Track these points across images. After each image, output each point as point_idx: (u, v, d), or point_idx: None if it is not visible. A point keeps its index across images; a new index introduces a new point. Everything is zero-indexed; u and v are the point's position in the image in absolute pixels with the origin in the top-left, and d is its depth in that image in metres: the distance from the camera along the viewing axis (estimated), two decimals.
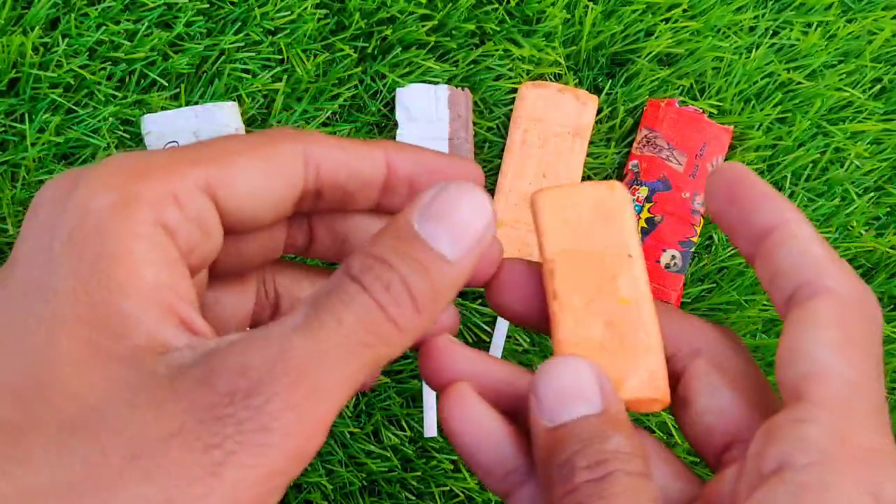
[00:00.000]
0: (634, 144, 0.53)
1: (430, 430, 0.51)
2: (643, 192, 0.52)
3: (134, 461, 0.17)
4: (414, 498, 0.52)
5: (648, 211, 0.49)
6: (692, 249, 0.42)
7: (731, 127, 0.50)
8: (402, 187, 0.25)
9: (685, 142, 0.52)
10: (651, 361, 0.38)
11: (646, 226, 0.42)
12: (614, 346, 0.37)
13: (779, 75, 0.56)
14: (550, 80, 0.56)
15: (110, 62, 0.51)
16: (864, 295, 0.22)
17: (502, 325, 0.52)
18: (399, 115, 0.53)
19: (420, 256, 0.21)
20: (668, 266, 0.41)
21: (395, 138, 0.54)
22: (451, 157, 0.26)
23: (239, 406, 0.18)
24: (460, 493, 0.51)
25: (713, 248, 0.54)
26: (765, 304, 0.54)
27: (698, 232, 0.46)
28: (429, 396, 0.51)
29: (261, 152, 0.22)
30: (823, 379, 0.20)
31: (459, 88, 0.54)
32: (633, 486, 0.21)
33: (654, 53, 0.56)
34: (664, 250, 0.43)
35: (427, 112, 0.53)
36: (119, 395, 0.18)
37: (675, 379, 0.24)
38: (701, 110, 0.53)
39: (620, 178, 0.54)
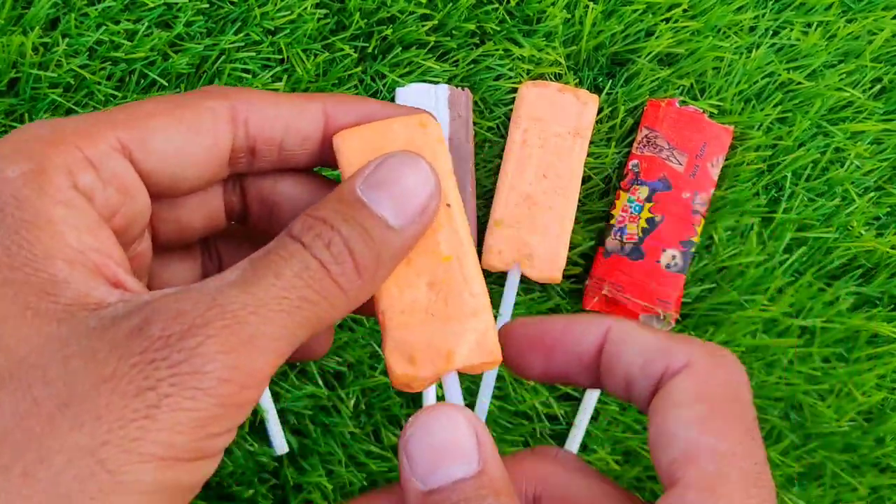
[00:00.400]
0: (634, 144, 0.53)
1: None
2: (643, 191, 0.52)
3: (65, 409, 0.17)
4: None
5: (649, 211, 0.49)
6: (692, 249, 0.43)
7: (732, 127, 0.50)
8: None
9: (685, 142, 0.52)
10: (478, 323, 0.33)
11: (646, 226, 0.42)
12: (439, 310, 0.33)
13: (779, 75, 0.56)
14: (551, 79, 0.56)
15: (110, 62, 0.51)
16: (721, 359, 0.22)
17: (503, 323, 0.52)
18: None
19: (363, 220, 0.21)
20: (668, 266, 0.41)
21: None
22: (397, 106, 0.25)
23: (173, 349, 0.18)
24: None
25: (713, 248, 0.54)
26: (765, 305, 0.54)
27: (698, 232, 0.46)
28: (430, 400, 0.51)
29: (179, 111, 0.22)
30: (693, 459, 0.20)
31: (459, 88, 0.53)
32: None
33: (654, 53, 0.55)
34: (664, 250, 0.43)
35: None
36: (50, 348, 0.18)
37: (656, 389, 0.23)
38: (701, 110, 0.53)
39: (621, 177, 0.54)
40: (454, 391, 0.27)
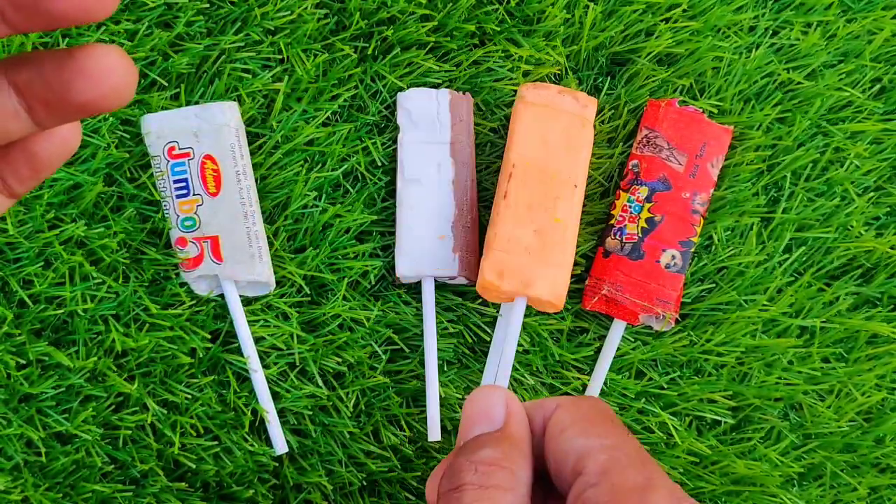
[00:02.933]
0: (635, 144, 0.53)
1: (434, 433, 0.51)
2: (643, 191, 0.52)
3: None
4: (414, 498, 0.52)
5: (648, 211, 0.49)
6: (692, 249, 0.43)
7: (732, 127, 0.50)
8: None
9: (685, 142, 0.51)
10: (559, 274, 0.49)
11: (646, 226, 0.42)
12: (536, 252, 0.46)
13: (779, 75, 0.56)
14: (551, 80, 0.56)
15: None
16: (581, 398, 0.28)
17: (502, 325, 0.52)
18: (400, 118, 0.53)
19: None
20: (668, 266, 0.41)
21: (396, 141, 0.54)
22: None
23: None
24: None
25: (713, 248, 0.54)
26: (765, 305, 0.54)
27: (698, 232, 0.46)
28: (432, 400, 0.51)
29: None
30: (587, 455, 0.25)
31: (461, 92, 0.54)
32: (478, 499, 0.25)
33: (654, 53, 0.56)
34: (664, 250, 0.44)
35: (429, 116, 0.53)
36: None
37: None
38: (701, 110, 0.53)
39: (621, 177, 0.54)
40: (519, 313, 0.39)
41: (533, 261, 0.47)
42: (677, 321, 0.54)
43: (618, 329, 0.51)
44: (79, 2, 0.19)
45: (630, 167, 0.53)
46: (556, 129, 0.48)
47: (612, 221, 0.51)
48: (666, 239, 0.48)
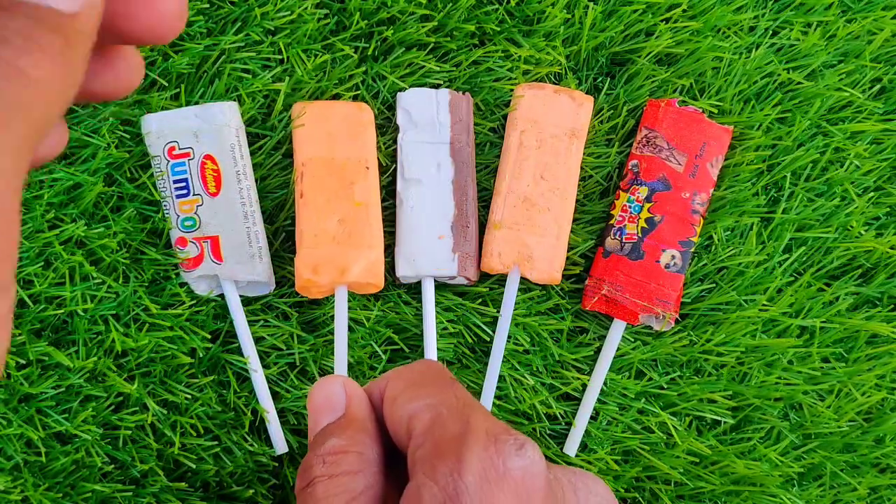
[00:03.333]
0: (634, 144, 0.53)
1: None
2: (643, 192, 0.52)
3: None
4: None
5: (648, 211, 0.49)
6: (692, 249, 0.43)
7: (731, 127, 0.50)
8: None
9: (685, 142, 0.52)
10: (372, 254, 0.48)
11: (646, 226, 0.42)
12: (344, 239, 0.48)
13: (779, 75, 0.56)
14: (551, 80, 0.56)
15: None
16: (406, 366, 0.28)
17: (504, 325, 0.52)
18: (400, 118, 0.53)
19: (31, 12, 0.19)
20: (668, 266, 0.41)
21: (396, 141, 0.54)
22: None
23: None
24: None
25: (713, 248, 0.54)
26: (765, 305, 0.54)
27: (698, 232, 0.46)
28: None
29: None
30: (413, 418, 0.26)
31: (460, 93, 0.54)
32: (329, 490, 0.26)
33: (654, 53, 0.56)
34: (664, 250, 0.44)
35: (428, 116, 0.53)
36: None
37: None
38: (701, 110, 0.53)
39: (621, 177, 0.54)
40: (342, 303, 0.40)
41: (343, 248, 0.49)
42: (677, 321, 0.54)
43: (617, 329, 0.51)
44: (150, 25, 0.21)
45: (630, 167, 0.53)
46: (335, 122, 0.51)
47: (611, 221, 0.51)
48: (666, 239, 0.48)
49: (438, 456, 0.24)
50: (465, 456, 0.23)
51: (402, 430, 0.26)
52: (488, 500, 0.23)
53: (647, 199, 0.50)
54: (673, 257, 0.44)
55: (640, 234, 0.44)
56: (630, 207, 0.48)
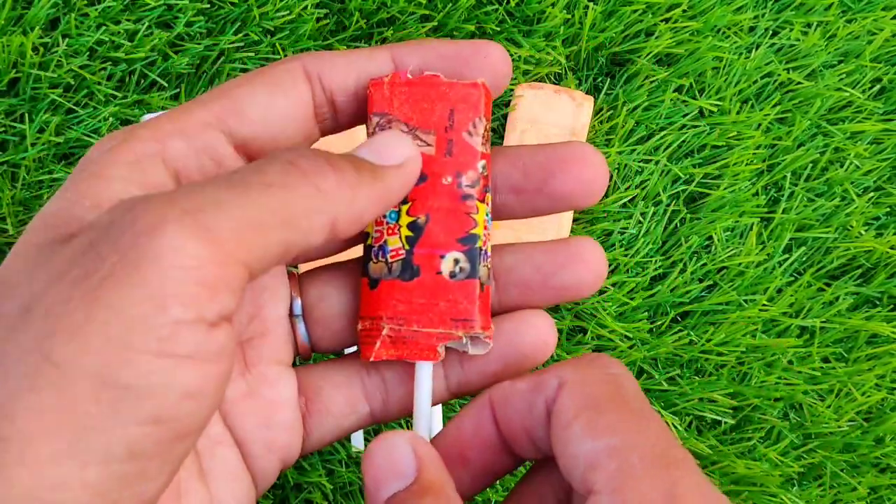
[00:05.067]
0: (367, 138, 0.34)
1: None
2: None
3: (25, 314, 0.17)
4: None
5: (407, 214, 0.32)
6: (478, 244, 0.29)
7: (480, 81, 0.32)
8: None
9: (426, 116, 0.33)
10: None
11: (410, 233, 0.29)
12: None
13: (778, 75, 0.56)
14: (551, 80, 0.56)
15: (110, 62, 0.51)
16: (590, 363, 0.22)
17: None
18: None
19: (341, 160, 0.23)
20: (453, 274, 0.28)
21: None
22: (459, 42, 0.26)
23: (121, 231, 0.17)
24: None
25: (713, 248, 0.54)
26: (765, 305, 0.54)
27: (479, 221, 0.31)
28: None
29: (258, 78, 0.23)
30: (595, 465, 0.20)
31: None
32: None
33: (653, 53, 0.56)
34: (442, 256, 0.30)
35: None
36: (23, 267, 0.19)
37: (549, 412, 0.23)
38: (435, 72, 0.32)
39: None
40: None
41: None
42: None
43: (424, 372, 0.33)
44: (581, 187, 0.24)
45: None
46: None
47: (368, 242, 0.36)
48: (439, 242, 0.31)
49: None
50: None
51: (577, 475, 0.20)
52: None
53: (404, 201, 0.31)
54: (457, 261, 0.30)
55: (406, 246, 0.30)
56: (385, 217, 0.32)
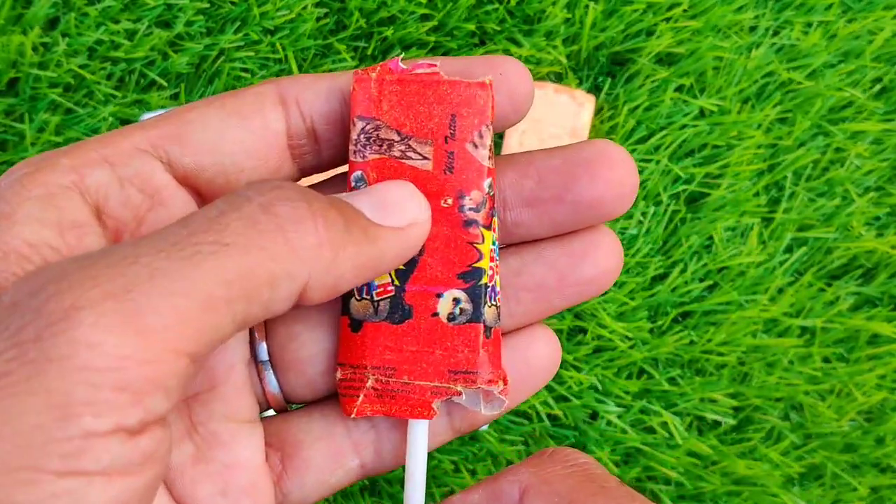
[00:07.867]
0: (350, 148, 0.27)
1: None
2: None
3: None
4: None
5: None
6: (483, 281, 0.24)
7: (488, 80, 0.28)
8: None
9: (423, 122, 0.27)
10: None
11: (402, 266, 0.22)
12: None
13: (779, 75, 0.56)
14: (551, 79, 0.56)
15: (110, 62, 0.51)
16: (549, 459, 0.20)
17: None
18: None
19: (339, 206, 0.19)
20: (451, 317, 0.22)
21: None
22: (469, 58, 0.22)
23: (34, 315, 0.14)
24: None
25: (713, 248, 0.54)
26: (766, 305, 0.54)
27: (484, 252, 0.26)
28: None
29: (218, 101, 0.20)
30: None
31: None
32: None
33: (654, 53, 0.55)
34: (439, 295, 0.23)
35: None
36: None
37: None
38: (434, 68, 0.26)
39: None
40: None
41: None
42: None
43: (418, 432, 0.28)
44: (610, 191, 0.20)
45: (351, 183, 0.27)
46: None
47: None
48: (436, 277, 0.26)
49: None
50: None
51: None
52: None
53: None
54: (456, 301, 0.23)
55: (396, 282, 0.24)
56: None
